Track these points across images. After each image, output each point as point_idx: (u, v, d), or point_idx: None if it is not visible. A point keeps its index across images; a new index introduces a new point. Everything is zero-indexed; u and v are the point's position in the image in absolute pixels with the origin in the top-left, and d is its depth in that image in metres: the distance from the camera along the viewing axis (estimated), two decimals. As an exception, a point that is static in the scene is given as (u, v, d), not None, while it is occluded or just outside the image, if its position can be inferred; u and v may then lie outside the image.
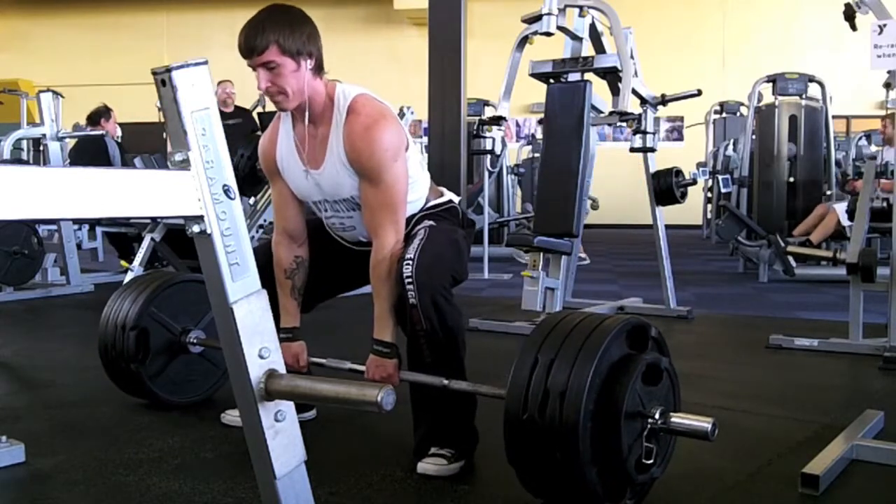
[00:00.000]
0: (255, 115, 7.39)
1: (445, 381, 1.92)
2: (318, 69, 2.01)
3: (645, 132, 4.23)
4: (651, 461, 1.57)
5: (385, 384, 1.16)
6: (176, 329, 2.56)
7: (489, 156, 6.81)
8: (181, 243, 4.90)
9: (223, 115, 2.63)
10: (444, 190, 2.28)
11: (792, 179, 6.67)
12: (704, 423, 1.58)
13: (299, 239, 2.20)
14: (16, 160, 6.59)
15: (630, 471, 1.54)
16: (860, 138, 8.50)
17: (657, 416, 1.57)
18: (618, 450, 1.51)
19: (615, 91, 4.14)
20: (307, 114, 2.03)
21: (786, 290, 5.64)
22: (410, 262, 1.94)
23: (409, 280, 1.93)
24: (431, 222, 2.11)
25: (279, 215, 2.20)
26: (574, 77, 4.05)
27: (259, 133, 5.64)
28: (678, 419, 1.60)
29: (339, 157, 2.02)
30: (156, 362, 2.52)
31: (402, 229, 2.04)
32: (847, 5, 3.54)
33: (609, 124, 5.19)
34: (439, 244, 2.02)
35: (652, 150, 4.31)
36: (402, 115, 5.53)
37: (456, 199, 2.28)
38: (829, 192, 6.65)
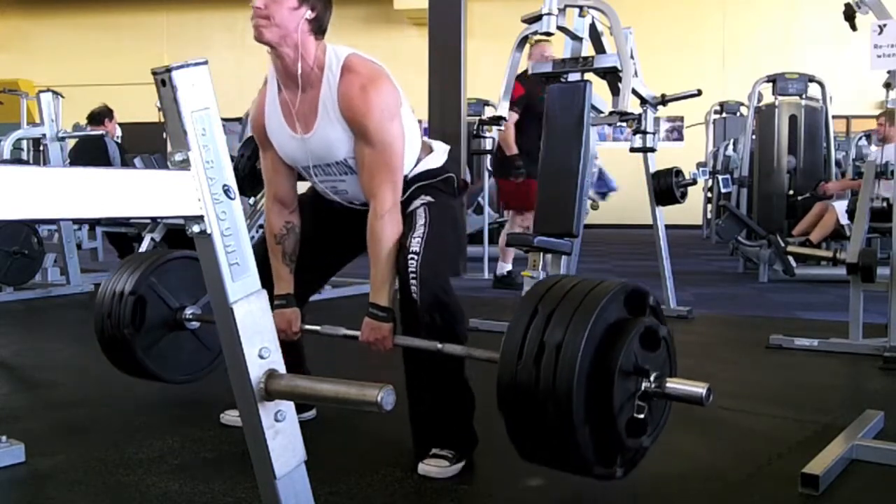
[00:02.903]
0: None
1: (439, 345, 1.90)
2: (317, 28, 1.98)
3: (645, 132, 4.23)
4: (643, 421, 1.56)
5: (385, 385, 1.16)
6: (173, 303, 2.53)
7: (489, 156, 6.81)
8: (181, 243, 4.90)
9: None
10: (434, 144, 2.23)
11: (792, 192, 6.66)
12: (699, 389, 1.56)
13: (290, 205, 2.19)
14: (16, 160, 6.59)
15: (621, 432, 1.52)
16: (860, 138, 8.50)
17: (652, 379, 1.56)
18: (610, 409, 1.50)
19: (615, 91, 4.14)
20: (299, 73, 1.98)
21: (786, 290, 5.64)
22: (415, 257, 1.96)
23: (414, 276, 1.95)
24: (429, 198, 2.09)
25: (269, 182, 2.19)
26: (574, 77, 4.05)
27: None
28: (673, 384, 1.59)
29: (332, 117, 1.99)
30: (149, 335, 2.49)
31: (399, 189, 2.02)
32: (847, 5, 3.54)
33: (609, 124, 5.19)
34: (441, 234, 2.03)
35: (652, 150, 4.31)
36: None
37: (445, 153, 2.22)
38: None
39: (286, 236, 2.18)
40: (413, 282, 1.95)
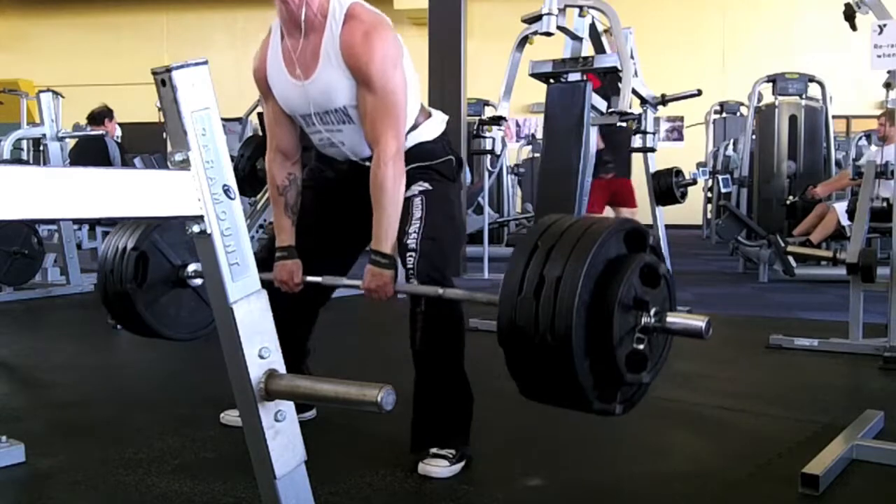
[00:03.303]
0: (254, 115, 7.40)
1: (441, 290, 1.90)
2: None
3: (645, 132, 4.23)
4: (643, 356, 1.55)
5: (385, 385, 1.16)
6: (175, 260, 2.52)
7: (489, 156, 6.81)
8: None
9: None
10: (433, 112, 2.22)
11: (792, 198, 6.66)
12: (699, 322, 1.56)
13: (292, 157, 2.20)
14: (16, 160, 6.59)
15: (621, 365, 1.51)
16: (860, 138, 8.51)
17: (652, 313, 1.56)
18: (609, 342, 1.49)
19: (615, 91, 4.14)
20: (303, 19, 1.98)
21: (786, 290, 5.64)
22: (413, 254, 1.98)
23: (412, 272, 1.98)
24: (427, 186, 2.08)
25: (272, 133, 2.19)
26: (574, 77, 4.05)
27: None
28: (673, 318, 1.59)
29: (334, 63, 1.98)
30: (151, 291, 2.48)
31: (402, 137, 2.01)
32: (847, 5, 3.54)
33: (609, 124, 5.19)
34: (439, 228, 2.03)
35: (652, 150, 4.31)
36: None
37: (444, 123, 2.20)
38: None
39: (288, 188, 2.18)
40: (412, 279, 1.97)
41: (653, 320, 1.55)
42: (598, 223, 1.55)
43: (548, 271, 1.49)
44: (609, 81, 4.28)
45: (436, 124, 2.18)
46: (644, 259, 1.56)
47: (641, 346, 1.54)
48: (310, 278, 2.13)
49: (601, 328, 1.49)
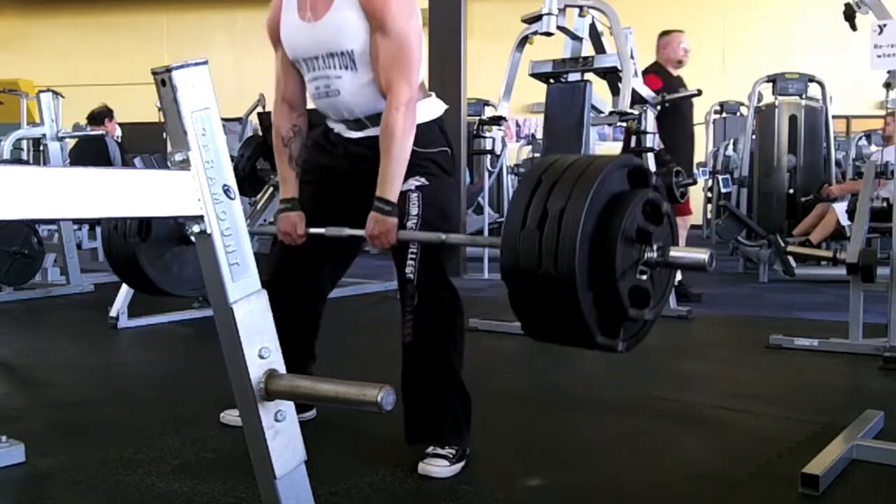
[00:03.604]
0: (254, 115, 7.40)
1: (443, 236, 1.90)
2: None
3: (645, 132, 4.23)
4: (645, 291, 1.55)
5: (385, 385, 1.16)
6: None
7: (489, 156, 6.82)
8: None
9: None
10: (433, 96, 2.21)
11: (792, 191, 6.66)
12: (702, 255, 1.56)
13: (298, 108, 2.20)
14: (16, 160, 6.59)
15: (624, 298, 1.51)
16: (860, 138, 8.50)
17: (655, 248, 1.56)
18: (612, 274, 1.49)
19: (615, 91, 4.14)
20: None
21: (786, 290, 5.64)
22: (413, 258, 2.00)
23: (411, 270, 1.99)
24: (423, 180, 2.06)
25: (279, 84, 2.20)
26: (574, 77, 4.05)
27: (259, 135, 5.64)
28: (676, 251, 1.59)
29: (350, 3, 1.97)
30: (155, 247, 2.48)
31: (415, 86, 2.01)
32: (847, 5, 3.54)
33: (609, 124, 5.19)
34: (435, 223, 2.03)
35: (652, 150, 4.31)
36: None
37: (442, 108, 2.20)
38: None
39: (293, 139, 2.19)
40: (409, 273, 1.99)
41: (656, 254, 1.55)
42: (600, 159, 1.55)
43: (551, 204, 1.48)
44: (609, 81, 4.28)
45: (432, 106, 2.17)
46: (647, 194, 1.56)
47: (644, 279, 1.54)
48: (313, 230, 2.12)
49: (604, 260, 1.48)
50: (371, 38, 1.99)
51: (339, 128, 2.18)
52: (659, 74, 4.59)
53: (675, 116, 4.65)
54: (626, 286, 1.51)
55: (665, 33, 4.23)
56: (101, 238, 2.55)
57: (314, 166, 2.23)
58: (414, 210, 2.03)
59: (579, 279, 1.44)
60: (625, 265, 1.51)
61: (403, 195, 2.03)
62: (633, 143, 4.28)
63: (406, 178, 2.04)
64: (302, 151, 2.20)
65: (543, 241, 1.46)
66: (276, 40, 2.16)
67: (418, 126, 2.06)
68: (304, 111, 2.22)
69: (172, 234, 2.50)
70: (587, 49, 4.23)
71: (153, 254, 2.45)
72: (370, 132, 2.09)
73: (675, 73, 5.16)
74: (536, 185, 1.53)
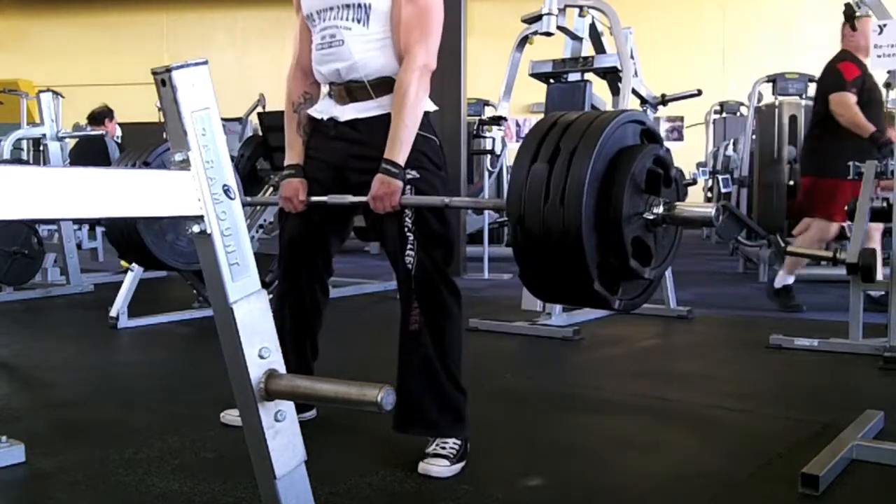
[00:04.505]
0: (254, 115, 7.40)
1: (447, 200, 1.90)
2: None
3: (645, 132, 4.23)
4: (648, 248, 1.54)
5: (385, 385, 1.15)
6: None
7: (489, 156, 6.81)
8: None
9: None
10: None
11: (792, 182, 6.66)
12: (708, 209, 1.56)
13: (312, 75, 2.20)
14: (16, 160, 6.59)
15: (626, 246, 1.50)
16: (860, 138, 8.50)
17: (662, 202, 1.55)
18: (618, 216, 1.48)
19: (615, 91, 4.15)
20: None
21: (786, 290, 5.63)
22: (412, 248, 2.00)
23: (410, 264, 2.00)
24: (415, 174, 2.03)
25: (296, 50, 2.22)
26: (574, 77, 4.05)
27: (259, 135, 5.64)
28: (682, 206, 1.58)
29: None
30: (158, 224, 2.46)
31: (433, 53, 2.03)
32: (847, 5, 3.55)
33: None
34: (427, 218, 2.03)
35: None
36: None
37: (432, 107, 2.15)
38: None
39: (303, 105, 2.20)
40: (409, 259, 2.00)
41: (662, 209, 1.55)
42: (612, 111, 1.56)
43: (564, 143, 1.49)
44: (609, 81, 4.28)
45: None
46: (658, 149, 1.56)
47: (650, 231, 1.54)
48: (314, 198, 2.12)
49: (611, 203, 1.48)
50: (394, 1, 2.00)
51: (325, 105, 2.16)
52: (856, 62, 4.41)
53: (871, 103, 4.34)
54: (630, 233, 1.50)
55: (851, 18, 3.92)
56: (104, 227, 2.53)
57: (310, 160, 2.21)
58: (409, 211, 2.03)
59: (584, 217, 1.43)
60: (631, 211, 1.50)
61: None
62: None
63: None
64: (311, 120, 2.20)
65: (552, 175, 1.46)
66: (298, 6, 2.17)
67: (422, 132, 2.07)
68: (315, 79, 2.22)
69: None
70: (587, 49, 4.23)
71: (156, 231, 2.44)
72: (358, 112, 2.07)
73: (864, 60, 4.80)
74: (550, 127, 1.52)
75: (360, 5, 2.02)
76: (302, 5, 2.14)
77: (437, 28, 2.03)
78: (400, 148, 1.97)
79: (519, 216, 1.52)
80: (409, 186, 2.02)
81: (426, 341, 2.04)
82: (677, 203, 1.58)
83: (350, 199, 2.05)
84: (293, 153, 2.18)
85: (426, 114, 2.10)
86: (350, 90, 2.08)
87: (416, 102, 1.97)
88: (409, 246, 2.01)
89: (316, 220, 2.18)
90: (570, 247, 1.46)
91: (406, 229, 2.01)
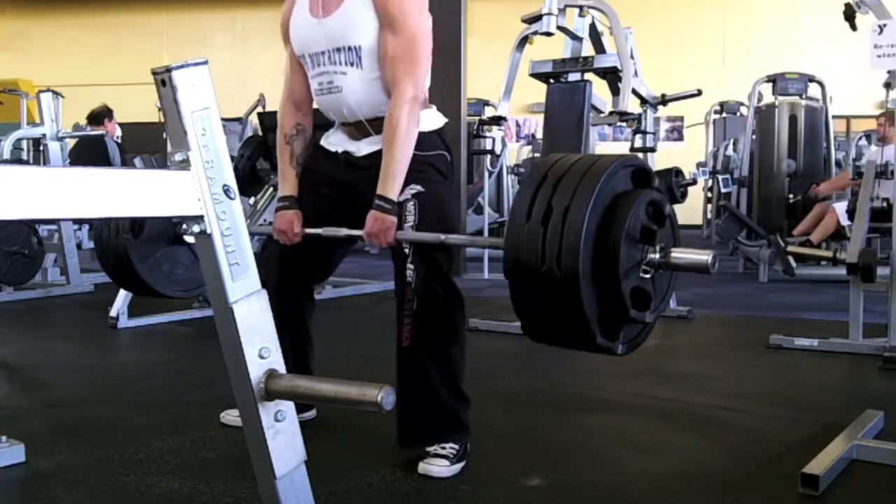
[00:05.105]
0: (254, 115, 7.40)
1: (442, 237, 1.89)
2: None
3: (645, 132, 4.24)
4: (647, 293, 1.54)
5: (385, 385, 1.15)
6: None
7: (489, 156, 6.82)
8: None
9: None
10: (433, 108, 2.19)
11: (791, 196, 6.65)
12: (704, 256, 1.55)
13: (304, 107, 2.21)
14: (16, 160, 6.59)
15: (625, 299, 1.50)
16: (860, 138, 8.50)
17: (658, 248, 1.55)
18: (615, 274, 1.48)
19: (615, 91, 4.14)
20: None
21: (786, 290, 5.64)
22: (411, 265, 1.99)
23: (410, 277, 1.98)
24: (419, 188, 2.05)
25: (288, 82, 2.22)
26: (574, 77, 4.05)
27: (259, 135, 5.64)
28: (678, 253, 1.58)
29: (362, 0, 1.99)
30: (147, 245, 2.45)
31: (421, 85, 2.02)
32: (847, 5, 3.54)
33: (609, 124, 5.20)
34: (430, 229, 2.01)
35: (652, 149, 4.31)
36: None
37: (442, 121, 2.17)
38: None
39: (296, 137, 2.19)
40: (409, 276, 1.98)
41: (658, 255, 1.54)
42: (604, 158, 1.55)
43: (556, 201, 1.48)
44: (609, 81, 4.28)
45: (434, 117, 2.16)
46: (651, 195, 1.55)
47: (647, 279, 1.53)
48: (309, 231, 2.12)
49: (608, 259, 1.48)
50: (380, 34, 1.99)
51: (339, 139, 2.18)
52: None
53: None
54: (628, 286, 1.50)
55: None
56: (94, 234, 2.52)
57: (313, 173, 2.22)
58: (410, 219, 2.02)
59: (582, 277, 1.43)
60: (628, 265, 1.50)
61: (400, 204, 2.02)
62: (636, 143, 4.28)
63: (402, 187, 2.03)
64: (304, 150, 2.21)
65: (547, 237, 1.46)
66: (286, 38, 2.17)
67: (422, 133, 2.06)
68: (309, 110, 2.23)
69: (165, 232, 2.48)
70: (587, 49, 4.23)
71: (144, 252, 2.44)
72: (373, 146, 2.08)
73: None
74: (541, 181, 1.52)
75: (350, 48, 2.03)
76: (293, 46, 2.15)
77: (425, 57, 2.02)
78: (392, 183, 1.97)
79: (516, 278, 1.52)
80: (413, 201, 2.02)
81: (421, 356, 2.02)
82: (672, 249, 1.58)
83: (345, 231, 2.07)
84: (287, 185, 2.17)
85: (437, 132, 2.12)
86: (360, 128, 2.11)
87: (407, 136, 1.97)
88: (409, 259, 2.00)
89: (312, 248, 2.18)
90: (570, 308, 1.48)
91: (405, 245, 2.00)
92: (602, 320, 1.51)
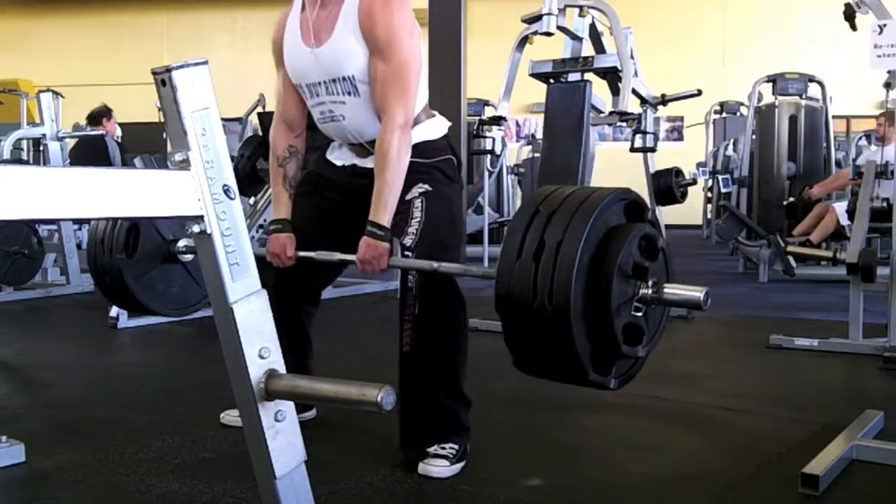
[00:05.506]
0: (254, 115, 7.40)
1: (436, 265, 1.88)
2: None
3: (645, 132, 4.23)
4: (639, 328, 1.54)
5: (385, 385, 1.16)
6: (167, 235, 2.49)
7: (489, 156, 6.82)
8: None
9: None
10: (436, 114, 2.21)
11: (791, 199, 6.65)
12: (697, 293, 1.54)
13: (296, 129, 2.21)
14: (16, 160, 6.59)
15: (618, 335, 1.49)
16: (860, 138, 8.51)
17: (650, 283, 1.55)
18: (607, 310, 1.47)
19: (615, 91, 4.14)
20: None
21: (786, 290, 5.64)
22: (411, 254, 1.98)
23: (412, 274, 1.97)
24: (427, 187, 2.06)
25: (280, 103, 2.21)
26: (574, 77, 4.05)
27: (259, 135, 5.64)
28: (671, 288, 1.57)
29: (350, 27, 1.98)
30: (141, 263, 2.45)
31: (411, 109, 2.02)
32: (847, 5, 3.54)
33: (609, 124, 5.20)
34: (438, 228, 2.02)
35: (652, 150, 4.31)
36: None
37: (446, 127, 2.19)
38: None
39: (288, 159, 2.19)
40: (411, 276, 1.97)
41: (651, 291, 1.54)
42: (597, 192, 1.54)
43: (548, 236, 1.47)
44: (609, 81, 4.28)
45: (439, 126, 2.18)
46: (644, 229, 1.55)
47: (639, 316, 1.53)
48: (302, 253, 2.12)
49: (600, 295, 1.47)
50: (370, 61, 2.00)
51: (345, 155, 2.19)
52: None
53: None
54: (620, 322, 1.50)
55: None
56: (87, 254, 2.52)
57: (314, 179, 2.24)
58: (417, 214, 2.02)
59: (574, 314, 1.43)
60: (620, 301, 1.50)
61: (408, 203, 2.03)
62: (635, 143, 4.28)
63: (410, 187, 2.04)
64: (297, 173, 2.21)
65: (539, 273, 1.45)
66: (279, 59, 2.17)
67: (429, 142, 2.08)
68: (302, 132, 2.22)
69: (159, 251, 2.49)
70: (587, 49, 4.23)
71: (138, 271, 2.44)
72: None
73: None
74: (533, 215, 1.52)
75: (344, 78, 2.04)
76: (289, 74, 2.15)
77: (414, 81, 2.01)
78: (384, 210, 1.97)
79: (507, 313, 1.53)
80: (419, 198, 2.04)
81: (423, 361, 2.02)
82: (665, 285, 1.58)
83: (339, 256, 2.07)
84: (280, 208, 2.17)
85: (444, 138, 2.14)
86: (366, 147, 2.12)
87: (399, 162, 1.97)
88: (410, 273, 1.99)
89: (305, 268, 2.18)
90: (561, 344, 1.47)
91: (407, 253, 1.99)
92: (594, 356, 1.51)
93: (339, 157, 2.21)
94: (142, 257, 2.45)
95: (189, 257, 2.50)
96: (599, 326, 1.49)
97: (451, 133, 2.25)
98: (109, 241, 2.41)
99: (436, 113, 2.21)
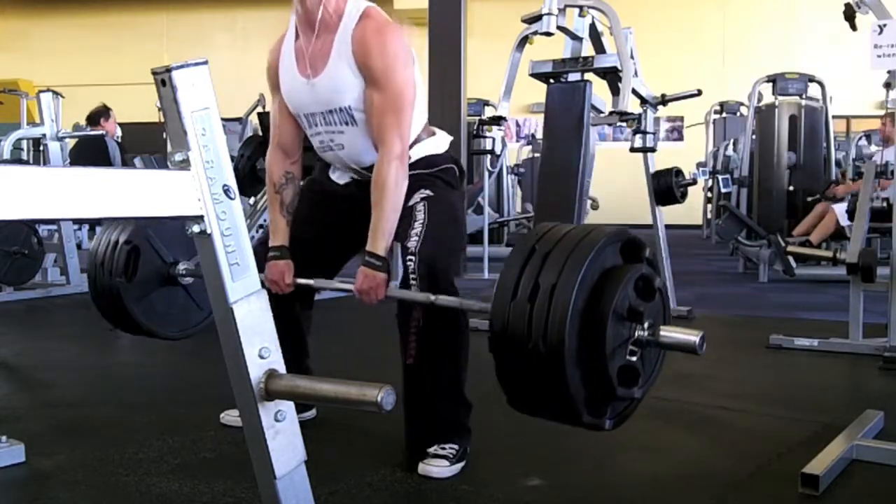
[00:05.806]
0: (254, 115, 7.40)
1: (432, 297, 1.88)
2: None
3: (645, 132, 4.23)
4: (635, 370, 1.54)
5: (385, 384, 1.16)
6: (167, 257, 2.50)
7: (489, 156, 6.81)
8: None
9: None
10: (437, 130, 2.22)
11: (791, 188, 6.66)
12: (692, 337, 1.55)
13: (292, 155, 2.21)
14: (16, 160, 6.59)
15: (613, 378, 1.49)
16: (860, 138, 8.51)
17: (646, 326, 1.55)
18: (602, 353, 1.47)
19: (615, 91, 4.14)
20: (318, 19, 2.01)
21: (786, 290, 5.64)
22: (413, 258, 1.96)
23: (414, 277, 1.96)
24: (429, 192, 2.07)
25: (274, 128, 2.21)
26: (574, 77, 4.05)
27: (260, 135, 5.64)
28: (666, 332, 1.57)
29: (344, 59, 1.99)
30: (141, 286, 2.45)
31: (407, 138, 2.02)
32: (847, 5, 3.54)
33: (609, 124, 5.19)
34: (440, 231, 2.02)
35: (652, 149, 4.31)
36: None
37: (448, 142, 2.20)
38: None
39: (285, 186, 2.19)
40: (413, 280, 1.96)
41: (646, 333, 1.53)
42: (595, 231, 1.54)
43: (543, 278, 1.47)
44: (609, 81, 4.28)
45: (441, 142, 2.19)
46: (640, 270, 1.55)
47: (634, 360, 1.53)
48: (301, 280, 2.13)
49: (594, 338, 1.47)
50: (365, 91, 2.00)
51: (346, 177, 2.20)
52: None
53: None
54: (615, 365, 1.49)
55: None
56: (88, 276, 2.52)
57: (319, 183, 2.25)
58: (420, 217, 2.02)
59: (568, 356, 1.42)
60: (615, 343, 1.49)
61: (410, 208, 2.03)
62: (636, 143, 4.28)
63: (411, 194, 2.04)
64: (294, 199, 2.21)
65: (534, 314, 1.45)
66: (274, 87, 2.17)
67: (433, 156, 2.11)
68: (298, 157, 2.22)
69: (159, 274, 2.49)
70: (587, 49, 4.23)
71: (139, 293, 2.44)
72: None
73: None
74: (529, 255, 1.52)
75: (341, 109, 2.04)
76: (287, 104, 2.15)
77: (409, 107, 2.01)
78: (382, 240, 1.98)
79: (501, 353, 1.53)
80: (422, 202, 2.04)
81: (428, 374, 2.02)
82: (661, 328, 1.58)
83: (336, 284, 2.08)
84: (278, 235, 2.17)
85: (447, 152, 2.16)
86: (367, 171, 2.12)
87: (396, 192, 1.97)
88: (411, 275, 1.97)
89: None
90: (555, 386, 1.47)
91: (410, 256, 1.99)
92: (588, 399, 1.51)
93: (341, 177, 2.22)
94: (142, 280, 2.46)
95: (189, 280, 2.51)
96: (594, 369, 1.49)
97: (452, 133, 2.25)
98: (109, 263, 2.42)
99: (436, 130, 2.22)
